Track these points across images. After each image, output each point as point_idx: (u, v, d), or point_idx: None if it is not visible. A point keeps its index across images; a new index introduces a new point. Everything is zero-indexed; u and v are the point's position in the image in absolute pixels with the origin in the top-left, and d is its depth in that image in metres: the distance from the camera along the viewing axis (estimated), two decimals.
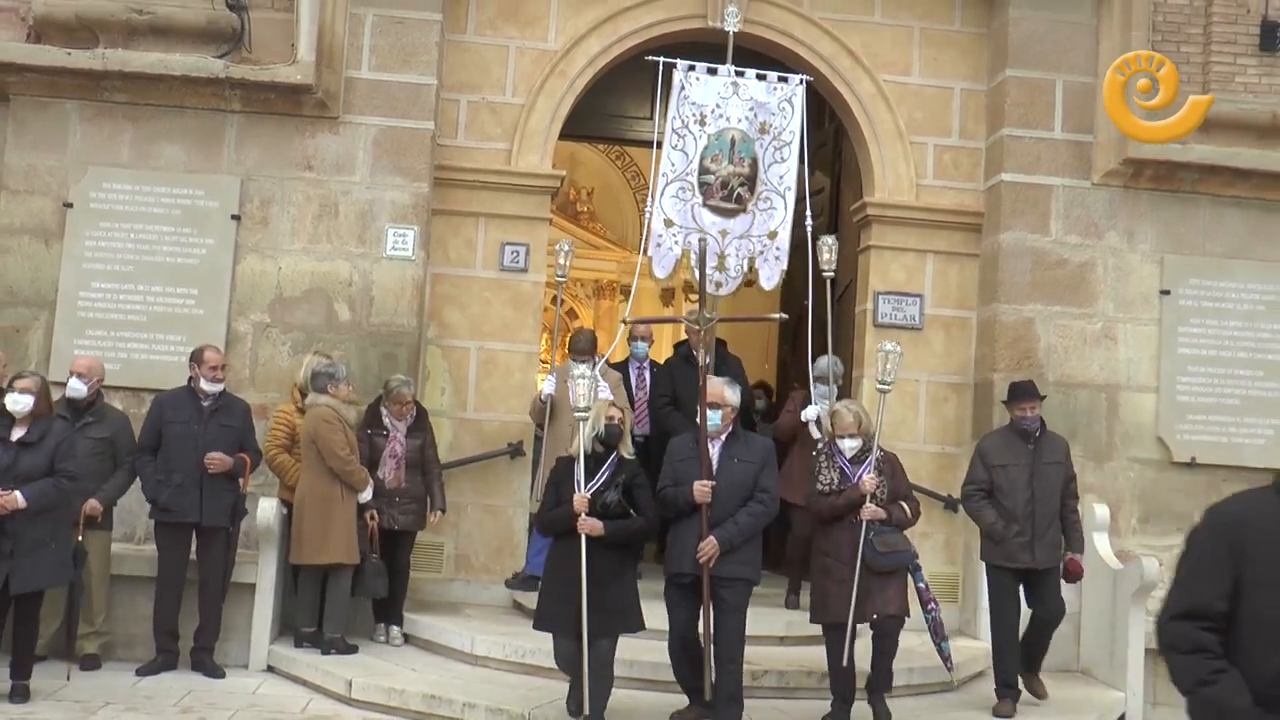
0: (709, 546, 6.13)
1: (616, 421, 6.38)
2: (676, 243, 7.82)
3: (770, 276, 8.03)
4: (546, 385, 8.20)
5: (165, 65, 8.22)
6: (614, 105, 10.09)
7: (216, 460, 7.28)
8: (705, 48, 8.30)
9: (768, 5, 9.02)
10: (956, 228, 9.20)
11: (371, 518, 7.69)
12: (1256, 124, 8.82)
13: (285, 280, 8.48)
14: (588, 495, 6.13)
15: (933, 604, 6.67)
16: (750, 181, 7.96)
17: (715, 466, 6.30)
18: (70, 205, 8.33)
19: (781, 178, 8.01)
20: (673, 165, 7.91)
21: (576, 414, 6.29)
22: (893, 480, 6.64)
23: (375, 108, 8.57)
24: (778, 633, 7.85)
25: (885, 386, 6.66)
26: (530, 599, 7.20)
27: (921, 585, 6.66)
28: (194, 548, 7.43)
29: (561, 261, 8.14)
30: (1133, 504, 8.77)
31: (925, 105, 9.26)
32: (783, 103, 8.05)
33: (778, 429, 8.76)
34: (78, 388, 7.26)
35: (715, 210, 7.92)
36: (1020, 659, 7.32)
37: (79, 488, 6.82)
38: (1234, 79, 8.81)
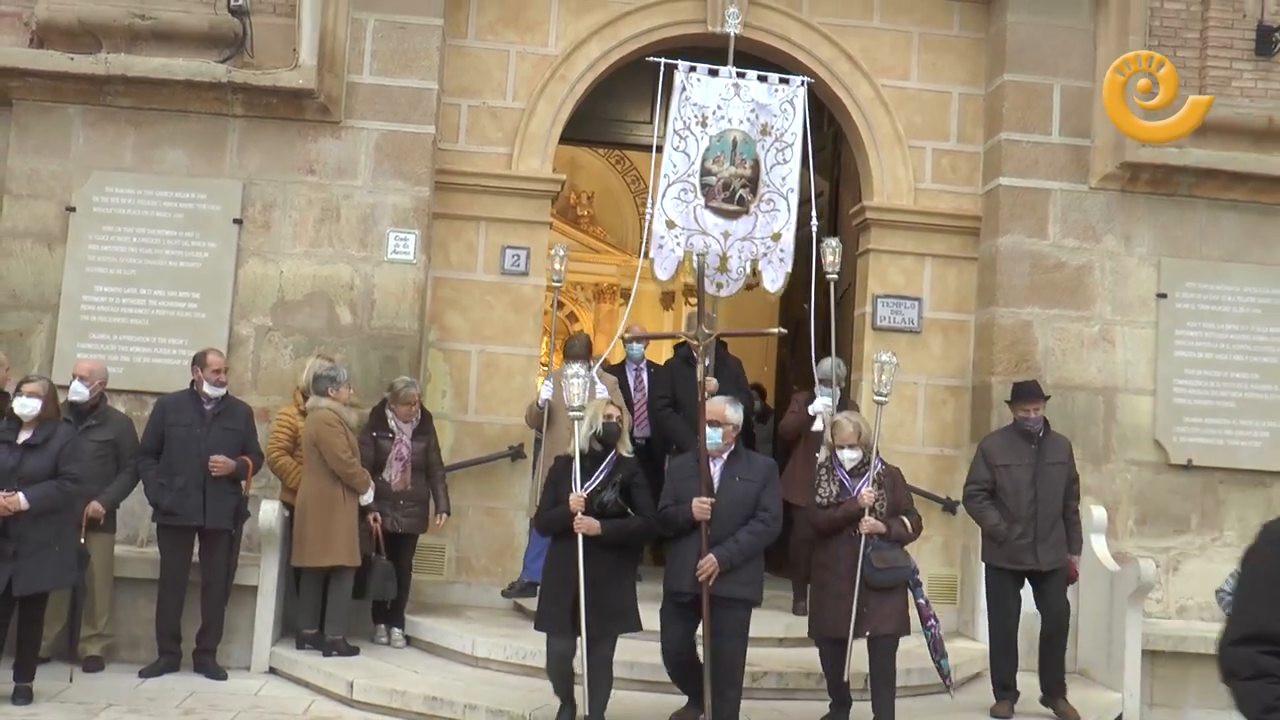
0: (708, 564, 6.05)
1: (615, 420, 6.37)
2: (679, 244, 7.81)
3: (775, 279, 8.01)
4: (544, 391, 8.19)
5: (168, 70, 8.26)
6: (614, 110, 10.12)
7: (220, 463, 7.32)
8: (705, 52, 8.33)
9: (767, 10, 9.06)
10: (955, 231, 9.24)
11: (375, 520, 7.73)
12: (1253, 128, 8.86)
13: (287, 284, 8.52)
14: (584, 495, 6.12)
15: (933, 620, 6.62)
16: (752, 183, 7.95)
17: (716, 484, 6.24)
18: (73, 209, 8.37)
19: (784, 179, 8.00)
20: (674, 166, 7.90)
21: (571, 413, 6.29)
22: (893, 494, 6.58)
23: (377, 112, 8.61)
24: (777, 634, 7.89)
25: (882, 398, 6.64)
26: (531, 602, 7.23)
27: (921, 601, 6.61)
28: (196, 550, 7.47)
29: (557, 266, 8.16)
30: (1130, 506, 8.81)
31: (924, 109, 9.31)
32: (784, 104, 8.05)
33: (783, 428, 8.75)
34: (80, 391, 7.29)
35: (717, 212, 7.91)
36: (1041, 682, 7.26)
37: (83, 490, 6.85)
38: (1230, 83, 8.85)
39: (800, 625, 7.43)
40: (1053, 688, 7.27)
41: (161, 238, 8.42)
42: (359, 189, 8.58)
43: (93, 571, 7.23)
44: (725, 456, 6.33)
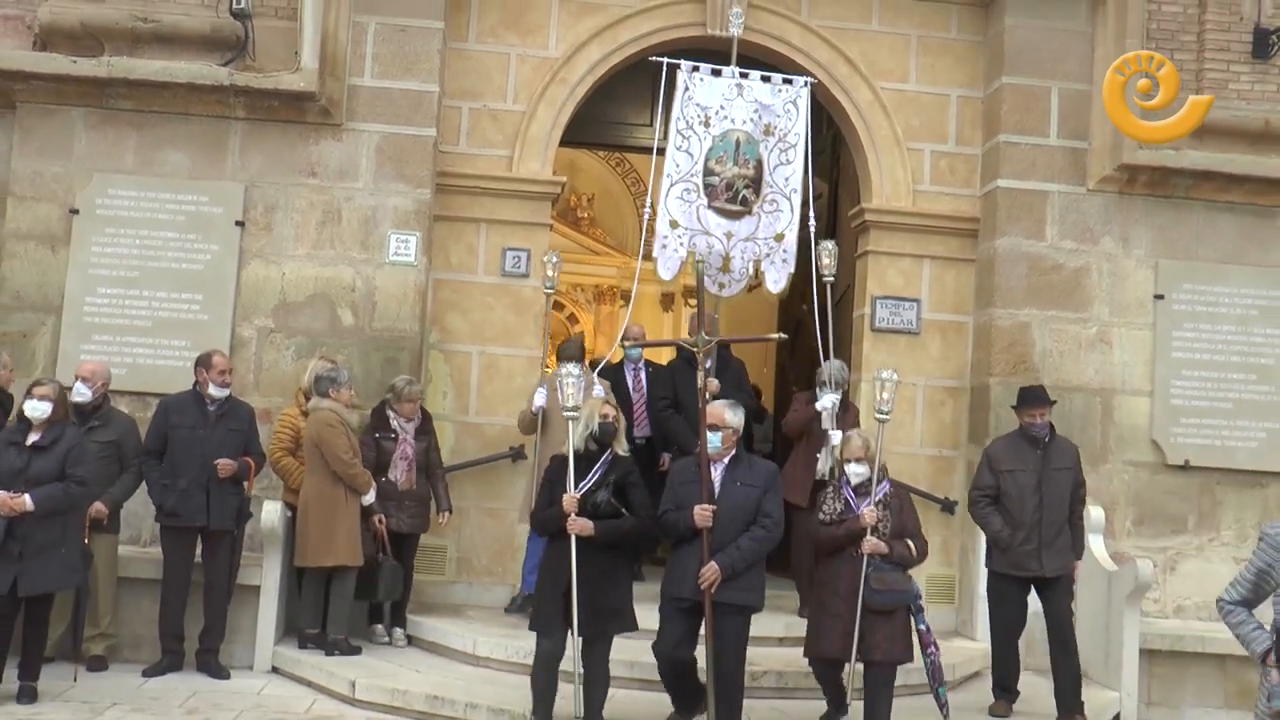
0: (710, 572, 5.98)
1: (611, 420, 6.33)
2: (682, 244, 7.80)
3: (777, 280, 8.00)
4: (538, 398, 8.11)
5: (170, 73, 8.30)
6: (614, 112, 10.16)
7: (225, 466, 7.36)
8: (704, 55, 8.35)
9: (766, 13, 9.09)
10: (953, 233, 9.28)
11: (380, 521, 7.76)
12: (1249, 130, 8.90)
13: (289, 286, 8.55)
14: (578, 495, 6.08)
15: (933, 648, 6.55)
16: (756, 183, 7.95)
17: (717, 490, 6.16)
18: (76, 211, 8.41)
19: (787, 180, 7.99)
20: (677, 166, 7.89)
21: (565, 413, 6.26)
22: (899, 515, 6.49)
23: (378, 115, 8.64)
24: (777, 634, 7.91)
25: (884, 416, 6.58)
26: None
27: (923, 628, 6.52)
28: (199, 550, 7.51)
29: (550, 273, 8.15)
30: (1127, 506, 8.85)
31: (922, 112, 9.35)
32: (787, 105, 8.05)
33: (786, 426, 8.71)
34: (83, 392, 7.31)
35: (720, 212, 7.91)
36: (1057, 700, 7.17)
37: (88, 493, 6.91)
38: (1227, 86, 8.89)
39: (800, 625, 7.43)
40: (1071, 705, 7.14)
41: (164, 240, 8.46)
42: (360, 191, 8.62)
43: (96, 571, 7.26)
44: (726, 461, 6.26)
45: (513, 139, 9.03)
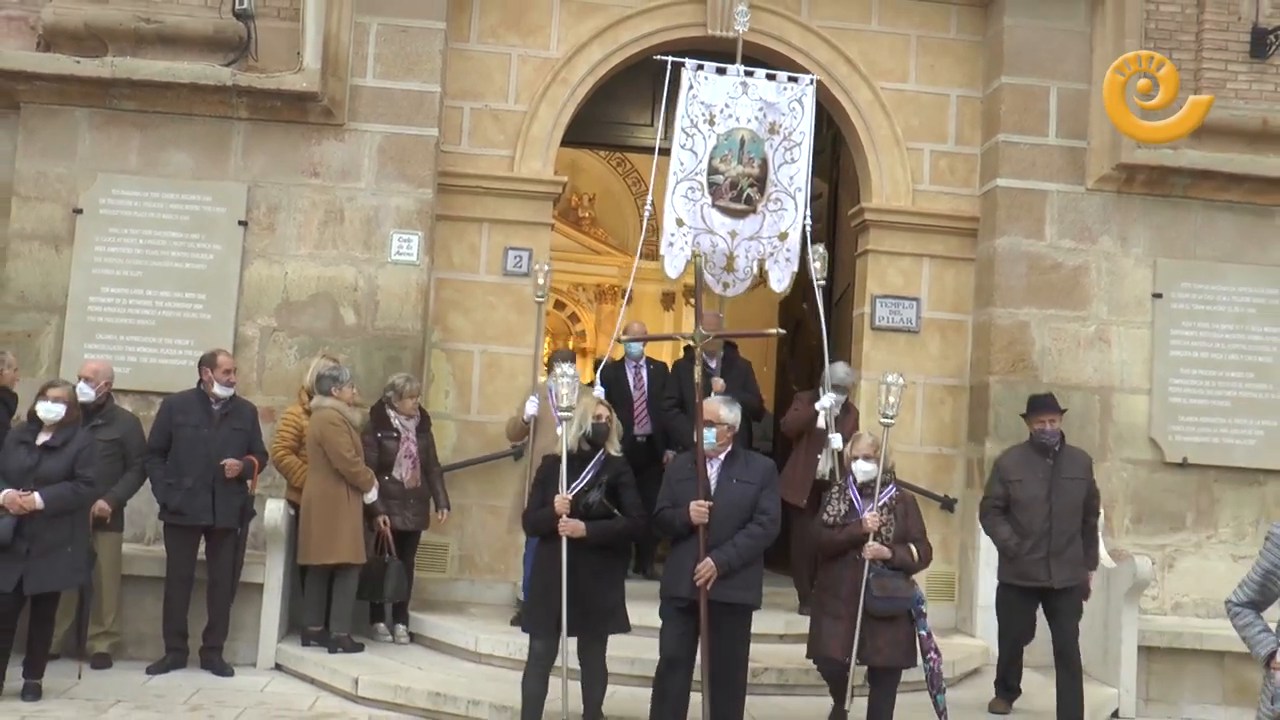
0: (705, 569, 5.88)
1: (604, 420, 6.28)
2: (687, 243, 7.81)
3: (781, 278, 7.98)
4: (530, 406, 8.02)
5: (173, 73, 8.33)
6: (615, 112, 10.19)
7: (231, 466, 7.40)
8: (705, 56, 8.37)
9: (766, 13, 9.12)
10: (953, 232, 9.32)
11: (385, 522, 7.80)
12: (1247, 129, 8.94)
13: (292, 285, 8.59)
14: (569, 496, 6.04)
15: (933, 653, 6.48)
16: (760, 182, 7.93)
17: (714, 487, 6.06)
18: (80, 211, 8.44)
19: (792, 178, 7.97)
20: (682, 165, 7.87)
21: (559, 413, 6.23)
22: (904, 521, 6.42)
23: (380, 115, 8.68)
24: (778, 630, 7.94)
25: (889, 420, 6.46)
26: None
27: (923, 633, 6.45)
28: (202, 548, 7.54)
29: (540, 282, 8.14)
30: (1126, 504, 8.89)
31: (922, 112, 9.39)
32: (793, 103, 8.04)
33: (785, 425, 8.74)
34: (86, 392, 7.31)
35: (724, 211, 7.90)
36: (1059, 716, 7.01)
37: (96, 493, 6.97)
38: (1225, 85, 8.92)
39: (801, 623, 7.47)
40: None
41: (167, 239, 8.50)
42: (362, 191, 8.66)
43: (100, 570, 7.31)
44: (722, 457, 6.16)
45: (514, 139, 9.07)
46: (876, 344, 9.18)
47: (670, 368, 9.16)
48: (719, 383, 8.15)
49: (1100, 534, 7.61)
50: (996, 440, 8.71)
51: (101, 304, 8.42)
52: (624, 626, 6.24)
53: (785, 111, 8.02)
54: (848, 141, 9.64)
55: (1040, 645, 7.47)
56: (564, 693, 6.12)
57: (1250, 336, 9.02)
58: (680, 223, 7.83)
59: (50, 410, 6.63)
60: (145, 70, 8.33)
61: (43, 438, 6.62)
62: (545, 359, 9.58)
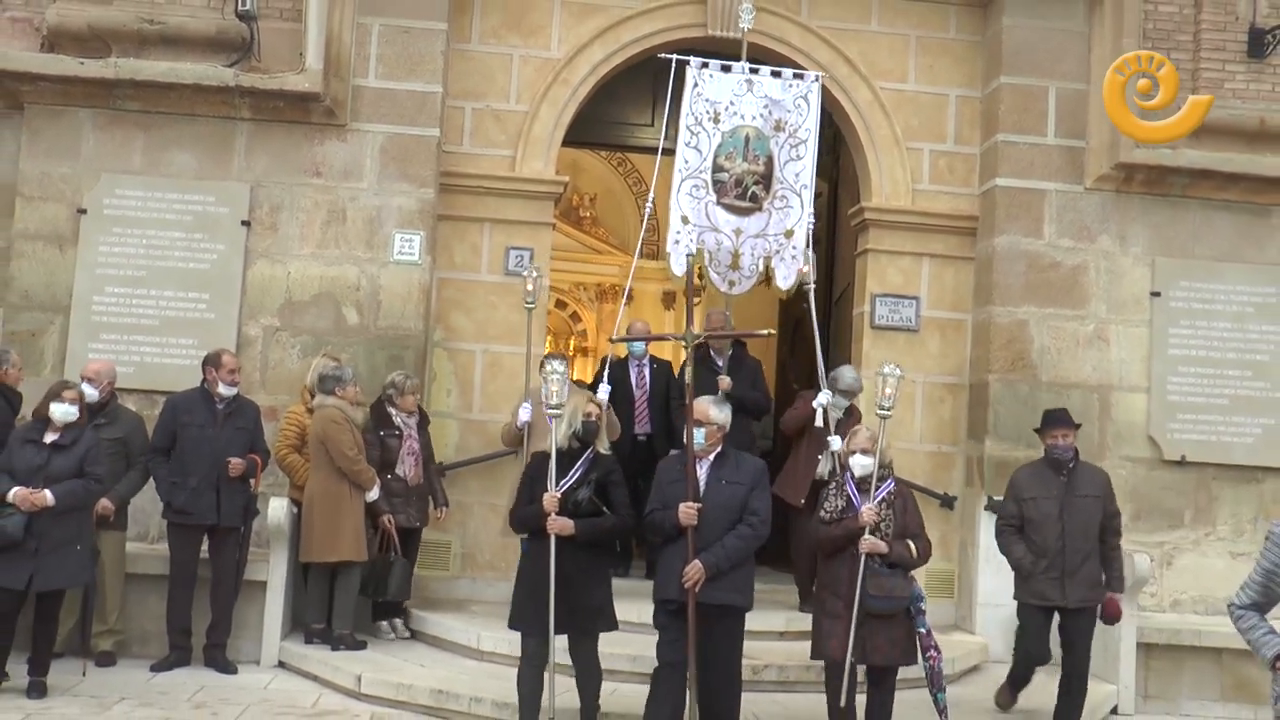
0: (694, 571, 5.77)
1: (594, 419, 6.26)
2: (692, 241, 7.81)
3: (787, 276, 7.91)
4: (522, 413, 8.01)
5: (176, 74, 8.37)
6: (616, 112, 10.23)
7: (236, 465, 7.44)
8: (705, 56, 8.39)
9: (766, 14, 9.13)
10: (952, 232, 9.36)
11: (389, 520, 7.84)
12: (1245, 129, 8.97)
13: (294, 285, 8.63)
14: (558, 494, 6.01)
15: (933, 651, 6.37)
16: (766, 180, 7.90)
17: (703, 488, 5.97)
18: (84, 211, 8.48)
19: (798, 175, 7.94)
20: (686, 163, 7.84)
21: (548, 410, 6.21)
22: (903, 516, 6.30)
23: (382, 115, 8.72)
24: (778, 628, 7.98)
25: (885, 412, 6.36)
26: None
27: (923, 630, 6.35)
28: (206, 546, 7.58)
29: (529, 288, 8.13)
30: (1124, 502, 8.80)
31: (921, 112, 9.42)
32: (798, 100, 8.01)
33: (785, 423, 8.72)
34: (89, 392, 7.34)
35: (729, 208, 7.88)
36: None
37: (105, 490, 7.04)
38: (1223, 85, 8.94)
39: (802, 620, 7.51)
40: None
41: (170, 239, 8.54)
42: (365, 191, 8.70)
43: (104, 568, 7.36)
44: (712, 458, 6.08)
45: (515, 139, 9.11)
46: (876, 343, 9.22)
47: (678, 367, 9.15)
48: (725, 381, 8.18)
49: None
50: (996, 438, 8.77)
51: (105, 304, 8.46)
52: (612, 625, 6.23)
53: (791, 108, 8.00)
54: (848, 141, 9.68)
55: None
56: (551, 690, 6.10)
57: (1248, 335, 9.06)
58: (685, 220, 7.81)
59: (69, 412, 6.72)
60: (148, 71, 8.37)
61: (50, 436, 6.69)
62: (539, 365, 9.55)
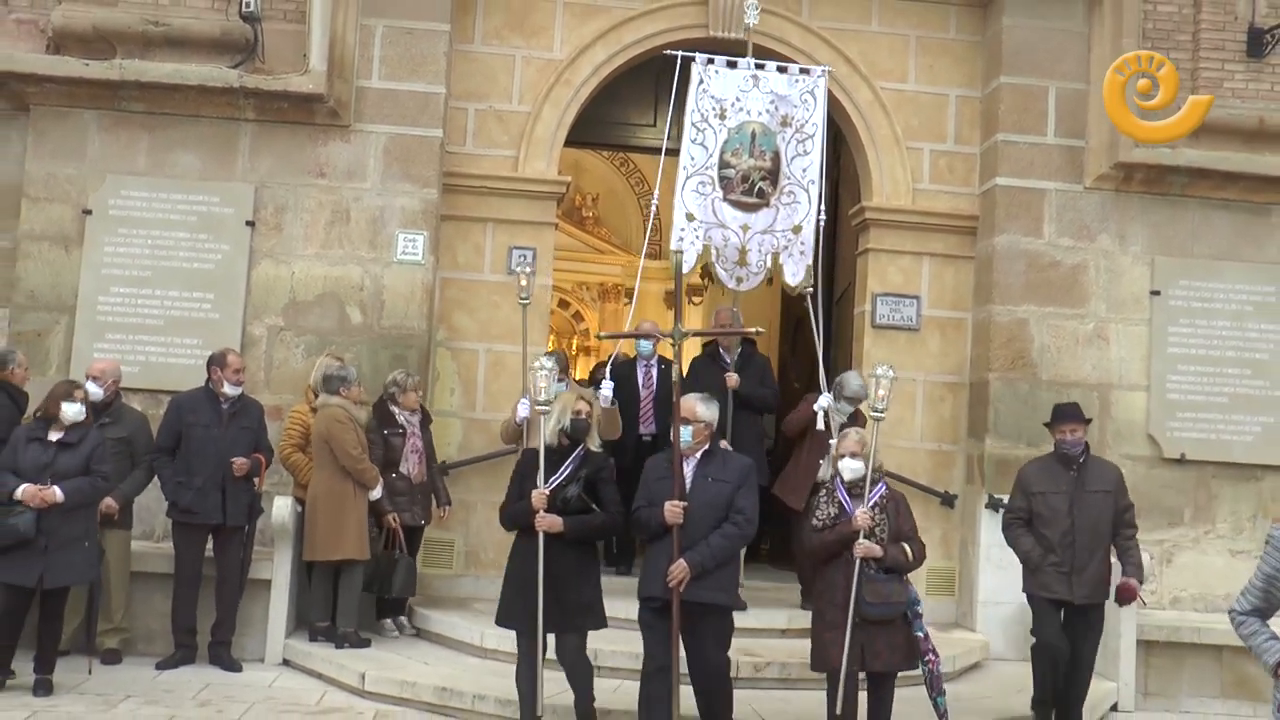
0: (678, 570, 5.73)
1: (584, 416, 6.23)
2: (698, 237, 7.78)
3: (795, 272, 7.91)
4: (521, 409, 8.02)
5: (181, 75, 8.41)
6: (618, 113, 10.24)
7: (241, 465, 7.48)
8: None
9: (767, 14, 9.09)
10: (952, 231, 9.39)
11: (394, 519, 7.88)
12: (1244, 128, 9.00)
13: (298, 285, 8.68)
14: (546, 491, 5.97)
15: (931, 655, 6.29)
16: (772, 175, 7.88)
17: (689, 486, 5.92)
18: (89, 212, 8.53)
19: (805, 171, 7.93)
20: (692, 160, 7.84)
21: (536, 407, 6.18)
22: (896, 519, 6.19)
23: (385, 116, 8.76)
24: (779, 625, 8.01)
25: (879, 414, 6.21)
26: None
27: (920, 634, 6.25)
28: (211, 545, 7.61)
29: (523, 284, 8.14)
30: None
31: (921, 112, 9.46)
32: (804, 95, 8.01)
33: (786, 425, 8.72)
34: (94, 391, 7.39)
35: (736, 205, 7.86)
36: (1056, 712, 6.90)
37: (110, 488, 7.08)
38: (1222, 84, 8.97)
39: (803, 617, 7.50)
40: (1066, 715, 6.88)
41: (175, 240, 8.58)
42: (368, 191, 8.74)
43: (109, 566, 7.40)
44: (699, 456, 6.02)
45: (518, 139, 9.14)
46: (877, 342, 9.25)
47: (688, 366, 9.14)
48: (733, 378, 8.21)
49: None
50: (996, 437, 8.80)
51: (110, 304, 8.50)
52: (600, 622, 6.20)
53: (797, 104, 7.99)
54: (848, 141, 9.70)
55: None
56: (540, 686, 6.09)
57: (1247, 333, 9.09)
58: (691, 217, 7.80)
59: (81, 412, 6.77)
60: (153, 72, 8.41)
61: (56, 435, 6.73)
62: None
